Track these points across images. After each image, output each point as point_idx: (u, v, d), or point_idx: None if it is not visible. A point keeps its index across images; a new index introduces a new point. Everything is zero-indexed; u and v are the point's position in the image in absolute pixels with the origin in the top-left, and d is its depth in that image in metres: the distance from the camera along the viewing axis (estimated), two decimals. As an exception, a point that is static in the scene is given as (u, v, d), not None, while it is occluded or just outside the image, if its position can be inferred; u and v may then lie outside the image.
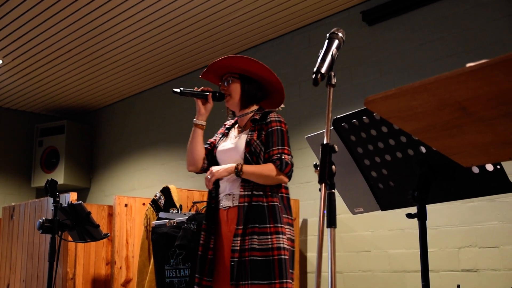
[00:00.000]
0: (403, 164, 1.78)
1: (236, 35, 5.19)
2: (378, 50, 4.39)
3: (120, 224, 4.70)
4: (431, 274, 1.75)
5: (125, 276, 4.66)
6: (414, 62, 4.14)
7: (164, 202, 4.21)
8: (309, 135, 2.23)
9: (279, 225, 2.51)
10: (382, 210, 2.00)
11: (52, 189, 3.27)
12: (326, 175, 1.58)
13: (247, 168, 2.55)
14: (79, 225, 3.39)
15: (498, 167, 1.59)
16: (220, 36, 5.21)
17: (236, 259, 2.48)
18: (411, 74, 4.12)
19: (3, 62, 5.74)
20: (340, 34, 1.81)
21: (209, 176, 2.60)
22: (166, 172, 6.18)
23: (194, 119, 2.76)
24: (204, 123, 2.77)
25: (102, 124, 7.35)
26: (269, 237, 2.48)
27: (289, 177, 2.58)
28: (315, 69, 1.70)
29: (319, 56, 1.75)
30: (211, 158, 2.80)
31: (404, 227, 3.95)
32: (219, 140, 2.82)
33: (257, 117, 2.69)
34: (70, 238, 3.58)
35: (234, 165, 2.57)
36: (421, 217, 1.70)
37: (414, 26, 4.20)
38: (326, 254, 1.50)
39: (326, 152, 1.60)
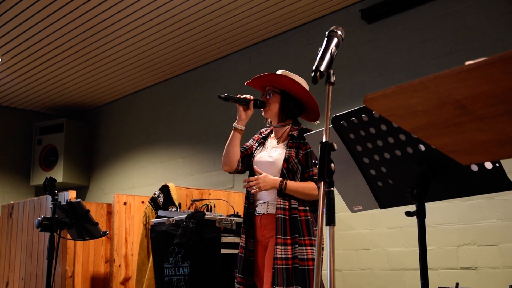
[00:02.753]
0: (402, 162, 1.77)
1: (235, 33, 5.18)
2: (377, 48, 4.39)
3: (119, 222, 4.70)
4: (430, 272, 1.75)
5: (124, 274, 4.67)
6: (413, 60, 4.13)
7: (163, 200, 4.21)
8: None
9: (312, 238, 2.72)
10: (381, 208, 2.00)
11: (51, 187, 3.27)
12: (325, 173, 1.58)
13: (291, 185, 2.71)
14: (78, 223, 3.38)
15: (497, 165, 1.59)
16: (219, 34, 5.21)
17: (278, 266, 2.64)
18: (410, 72, 4.12)
19: (1, 60, 5.74)
20: (339, 32, 1.82)
21: (255, 187, 2.75)
22: (165, 170, 6.17)
23: (235, 124, 2.90)
24: (243, 127, 2.92)
25: (101, 122, 7.34)
26: (304, 248, 2.68)
27: None
28: (314, 67, 1.70)
29: (318, 54, 1.75)
30: (247, 161, 2.96)
31: (403, 225, 3.95)
32: (255, 148, 2.97)
33: (295, 133, 2.84)
34: (69, 236, 3.58)
35: (279, 180, 2.72)
36: (420, 215, 1.70)
37: (413, 24, 4.19)
38: (325, 252, 1.50)
39: (325, 150, 1.60)
